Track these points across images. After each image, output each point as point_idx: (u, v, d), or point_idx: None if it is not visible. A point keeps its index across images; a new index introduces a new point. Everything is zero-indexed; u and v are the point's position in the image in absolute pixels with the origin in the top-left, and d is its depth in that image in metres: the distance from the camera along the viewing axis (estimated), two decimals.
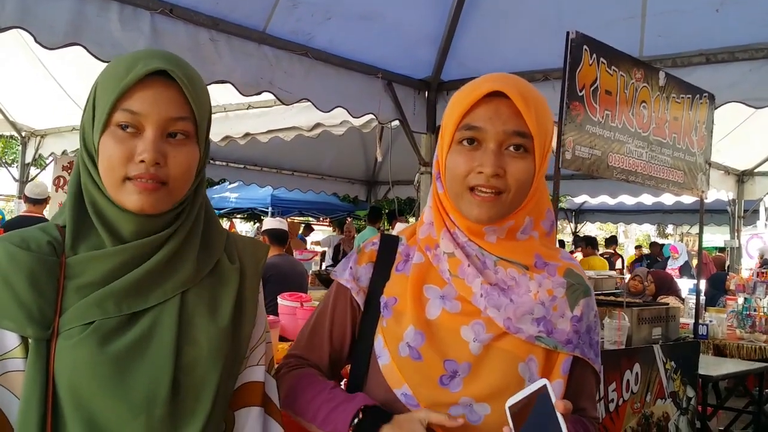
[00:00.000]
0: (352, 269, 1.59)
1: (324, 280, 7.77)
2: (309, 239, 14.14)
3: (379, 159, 7.05)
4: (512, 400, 1.28)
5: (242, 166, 9.81)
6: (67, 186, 1.33)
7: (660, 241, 18.56)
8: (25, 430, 1.19)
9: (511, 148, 1.41)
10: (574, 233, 16.46)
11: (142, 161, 1.23)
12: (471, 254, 1.47)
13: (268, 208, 12.87)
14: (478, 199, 1.42)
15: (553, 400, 1.22)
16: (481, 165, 1.40)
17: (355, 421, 1.39)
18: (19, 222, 6.40)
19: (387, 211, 11.88)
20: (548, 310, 1.46)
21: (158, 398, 1.25)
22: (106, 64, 3.70)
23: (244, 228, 18.44)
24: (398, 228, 2.12)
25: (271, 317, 4.33)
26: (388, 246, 1.60)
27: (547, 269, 1.50)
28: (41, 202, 6.97)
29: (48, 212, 9.15)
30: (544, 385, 1.25)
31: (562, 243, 13.38)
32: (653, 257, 13.58)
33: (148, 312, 1.28)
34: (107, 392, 1.21)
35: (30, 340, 1.21)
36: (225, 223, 16.91)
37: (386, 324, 1.50)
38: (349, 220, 13.59)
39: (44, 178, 9.83)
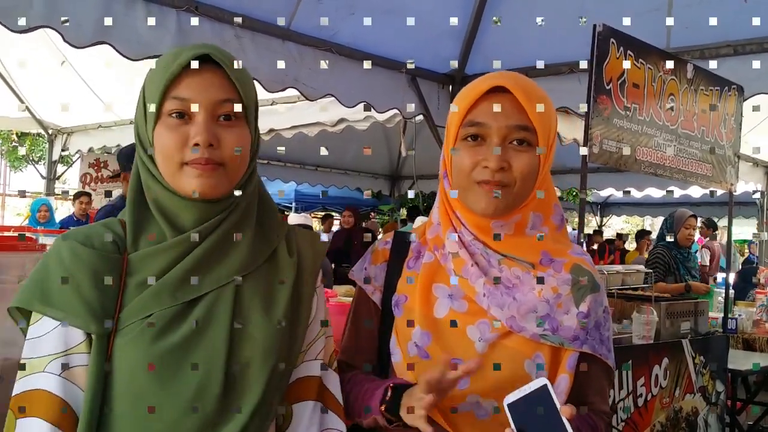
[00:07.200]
0: (366, 269, 1.63)
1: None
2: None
3: (404, 154, 7.07)
4: (511, 398, 1.27)
5: (266, 161, 9.84)
6: (128, 183, 1.36)
7: None
8: (85, 424, 1.22)
9: (515, 143, 1.44)
10: (599, 227, 16.32)
11: (197, 144, 1.26)
12: (475, 253, 1.49)
13: (291, 204, 12.91)
14: (484, 191, 1.43)
15: (557, 404, 1.22)
16: (485, 160, 1.43)
17: (386, 397, 1.40)
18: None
19: (410, 205, 11.84)
20: (552, 307, 1.46)
21: (209, 394, 1.26)
22: (131, 62, 3.66)
23: None
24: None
25: None
26: (401, 244, 1.63)
27: (553, 266, 1.50)
28: None
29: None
30: (545, 385, 1.25)
31: (588, 236, 13.27)
32: None
33: (202, 300, 1.29)
34: (160, 387, 1.23)
35: (93, 336, 1.24)
36: None
37: (398, 322, 1.53)
38: (372, 214, 13.57)
39: (71, 176, 9.92)
